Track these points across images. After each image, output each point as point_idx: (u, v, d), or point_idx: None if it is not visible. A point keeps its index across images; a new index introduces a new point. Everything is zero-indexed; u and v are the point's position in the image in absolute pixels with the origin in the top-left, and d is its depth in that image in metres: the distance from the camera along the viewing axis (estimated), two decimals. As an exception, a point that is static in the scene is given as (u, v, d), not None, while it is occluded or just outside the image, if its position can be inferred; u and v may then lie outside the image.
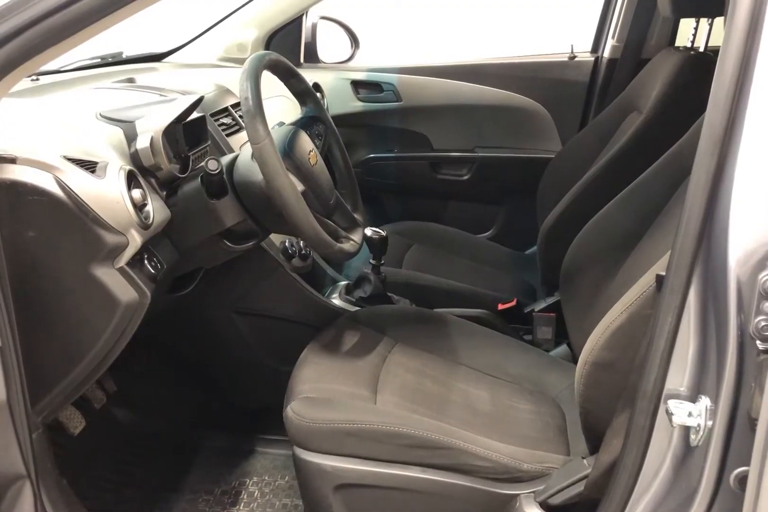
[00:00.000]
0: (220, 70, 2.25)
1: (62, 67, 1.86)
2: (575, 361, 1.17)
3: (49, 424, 1.15)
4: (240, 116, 1.77)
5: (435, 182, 2.68)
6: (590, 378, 1.06)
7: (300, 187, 1.29)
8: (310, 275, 1.79)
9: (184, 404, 1.92)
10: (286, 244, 1.72)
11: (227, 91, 1.82)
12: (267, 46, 2.43)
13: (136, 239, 1.11)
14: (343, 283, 1.88)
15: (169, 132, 1.24)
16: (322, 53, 2.65)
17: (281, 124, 1.47)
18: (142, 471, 1.73)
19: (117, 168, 1.12)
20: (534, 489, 1.15)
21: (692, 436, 0.85)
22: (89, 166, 1.08)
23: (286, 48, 2.44)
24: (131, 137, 1.22)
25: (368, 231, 1.72)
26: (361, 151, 2.70)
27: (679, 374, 0.86)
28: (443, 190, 2.69)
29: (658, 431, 0.89)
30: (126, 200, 1.09)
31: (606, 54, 2.45)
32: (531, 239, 2.25)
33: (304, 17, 2.50)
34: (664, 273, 0.87)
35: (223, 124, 1.69)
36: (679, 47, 1.92)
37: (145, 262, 1.18)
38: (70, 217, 1.03)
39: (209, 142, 1.51)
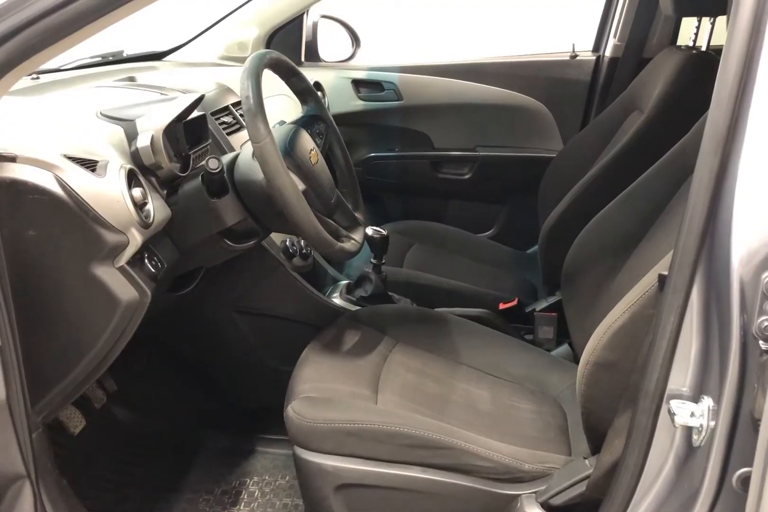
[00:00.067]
0: (220, 68, 2.25)
1: (63, 65, 1.86)
2: (576, 361, 1.16)
3: (49, 424, 1.14)
4: (241, 115, 1.76)
5: (436, 181, 2.67)
6: (592, 378, 1.06)
7: (301, 186, 1.29)
8: (310, 274, 1.79)
9: (185, 403, 1.92)
10: (287, 243, 1.72)
11: (228, 90, 1.82)
12: (268, 45, 2.42)
13: (136, 238, 1.10)
14: (344, 282, 1.88)
15: (170, 131, 1.24)
16: (323, 52, 2.65)
17: (282, 123, 1.46)
18: (142, 470, 1.72)
19: (117, 167, 1.12)
20: (535, 490, 1.14)
21: (695, 436, 0.85)
22: (89, 164, 1.08)
23: (287, 47, 2.43)
24: (132, 136, 1.22)
25: (369, 230, 1.72)
26: (362, 150, 2.70)
27: (682, 374, 0.86)
28: (444, 189, 2.69)
29: (661, 431, 0.89)
30: (126, 199, 1.09)
31: (607, 53, 2.44)
32: (532, 239, 2.25)
33: (305, 16, 2.50)
34: (666, 273, 0.87)
35: (223, 122, 1.68)
36: (680, 46, 1.92)
37: (146, 261, 1.17)
38: (71, 216, 1.03)
39: (210, 141, 1.51)
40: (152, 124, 1.21)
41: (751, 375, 0.79)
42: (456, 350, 1.50)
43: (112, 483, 1.67)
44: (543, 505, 1.11)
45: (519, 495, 1.15)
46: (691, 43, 1.92)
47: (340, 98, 2.59)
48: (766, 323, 0.77)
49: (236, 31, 2.39)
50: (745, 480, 0.81)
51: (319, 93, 1.60)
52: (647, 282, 0.98)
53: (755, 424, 0.78)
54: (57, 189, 1.01)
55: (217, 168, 1.23)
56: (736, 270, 0.79)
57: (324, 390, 1.29)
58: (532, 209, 2.29)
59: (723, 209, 0.80)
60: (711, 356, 0.84)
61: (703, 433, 0.83)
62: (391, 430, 1.18)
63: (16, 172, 0.99)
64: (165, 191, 1.29)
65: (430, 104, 2.59)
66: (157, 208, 1.19)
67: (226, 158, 1.35)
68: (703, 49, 1.82)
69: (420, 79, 2.58)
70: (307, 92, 1.53)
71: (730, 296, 0.79)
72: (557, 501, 1.10)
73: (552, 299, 1.94)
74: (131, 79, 1.69)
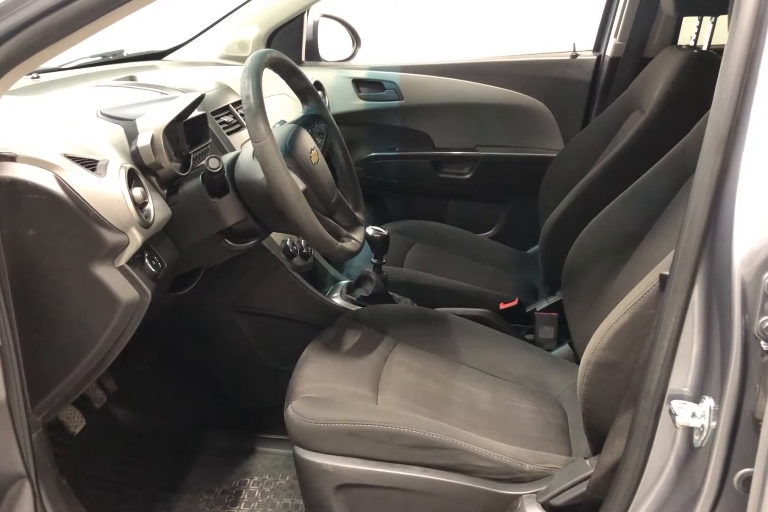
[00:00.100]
0: (221, 68, 2.25)
1: (63, 64, 1.86)
2: (577, 361, 1.16)
3: (49, 423, 1.14)
4: (241, 114, 1.76)
5: (437, 181, 2.67)
6: (593, 378, 1.05)
7: (301, 185, 1.28)
8: (311, 274, 1.79)
9: (185, 403, 1.91)
10: (287, 243, 1.72)
11: (228, 90, 1.82)
12: (268, 44, 2.42)
13: (136, 238, 1.10)
14: (345, 282, 1.88)
15: (170, 130, 1.24)
16: (323, 51, 2.65)
17: (283, 122, 1.46)
18: (142, 470, 1.72)
19: (118, 166, 1.11)
20: (536, 490, 1.14)
21: (696, 437, 0.85)
22: (90, 164, 1.07)
23: (288, 46, 2.43)
24: (132, 135, 1.22)
25: (370, 230, 1.71)
26: (362, 149, 2.70)
27: (683, 374, 0.86)
28: (445, 189, 2.69)
29: (662, 431, 0.89)
30: (127, 199, 1.08)
31: (608, 53, 2.44)
32: (533, 238, 2.25)
33: (305, 15, 2.50)
34: (667, 273, 0.87)
35: (224, 122, 1.68)
36: (681, 46, 1.92)
37: (146, 261, 1.17)
38: (71, 215, 1.03)
39: (210, 140, 1.51)
40: (152, 123, 1.21)
41: (752, 376, 0.79)
42: (456, 350, 1.50)
43: (112, 483, 1.67)
44: (544, 506, 1.11)
45: (520, 495, 1.15)
46: (692, 43, 1.92)
47: (341, 98, 2.59)
48: (767, 324, 0.77)
49: (237, 31, 2.38)
50: (747, 481, 0.80)
51: (319, 92, 1.60)
52: (648, 282, 0.98)
53: (756, 425, 0.78)
54: (57, 189, 1.01)
55: (218, 168, 1.23)
56: (738, 270, 0.78)
57: (324, 389, 1.29)
58: (532, 208, 2.29)
59: (724, 209, 0.80)
60: (712, 356, 0.83)
61: (705, 434, 0.83)
62: (392, 430, 1.18)
63: (16, 171, 0.99)
64: (165, 191, 1.28)
65: (430, 104, 2.59)
66: (157, 207, 1.18)
67: (227, 158, 1.34)
68: (704, 48, 1.82)
69: (421, 78, 2.58)
70: (307, 92, 1.52)
71: (731, 296, 0.79)
72: (558, 501, 1.10)
73: (552, 299, 1.93)
74: (131, 78, 1.69)
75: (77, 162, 1.05)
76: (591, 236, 1.51)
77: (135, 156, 1.20)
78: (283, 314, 1.72)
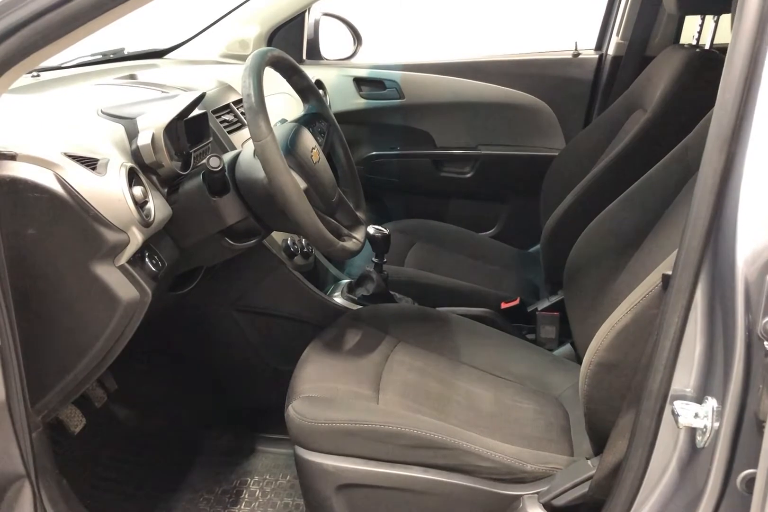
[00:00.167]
0: (222, 66, 2.24)
1: (63, 63, 1.86)
2: (579, 360, 1.16)
3: (49, 423, 1.14)
4: (242, 113, 1.76)
5: (438, 180, 2.67)
6: (595, 379, 1.05)
7: (302, 184, 1.28)
8: (312, 273, 1.79)
9: (185, 403, 1.91)
10: (288, 242, 1.71)
11: (229, 88, 1.82)
12: (269, 43, 2.42)
13: (137, 237, 1.10)
14: (346, 281, 1.88)
15: (171, 129, 1.24)
16: (324, 50, 2.65)
17: (284, 121, 1.46)
18: (142, 470, 1.72)
19: (118, 165, 1.11)
20: (537, 490, 1.14)
21: (698, 438, 0.84)
22: (90, 163, 1.07)
23: (289, 45, 2.43)
24: (132, 134, 1.22)
25: (371, 229, 1.71)
26: (363, 148, 2.70)
27: (686, 374, 0.85)
28: (446, 188, 2.69)
29: (664, 432, 0.88)
30: (127, 198, 1.08)
31: (610, 51, 2.44)
32: (534, 238, 2.24)
33: (306, 14, 2.49)
34: (670, 272, 0.86)
35: (225, 121, 1.68)
36: (684, 45, 1.91)
37: (146, 260, 1.17)
38: (71, 214, 1.02)
39: (211, 139, 1.51)
40: (153, 122, 1.21)
41: (755, 376, 0.79)
42: (458, 350, 1.49)
43: (112, 482, 1.67)
44: (545, 506, 1.11)
45: (521, 495, 1.14)
46: (694, 42, 1.92)
47: (342, 96, 2.59)
48: (771, 324, 0.76)
49: (238, 29, 2.38)
50: (750, 482, 0.80)
51: (320, 91, 1.60)
52: (651, 282, 0.98)
53: (760, 425, 0.78)
54: (57, 187, 1.01)
55: (218, 166, 1.23)
56: (741, 270, 0.78)
57: (325, 389, 1.29)
58: (534, 207, 2.28)
59: (728, 208, 0.79)
60: (715, 356, 0.83)
61: (707, 434, 0.82)
62: (393, 430, 1.18)
63: (16, 170, 0.99)
64: (166, 190, 1.28)
65: (432, 103, 2.59)
66: (157, 206, 1.18)
67: (228, 157, 1.34)
68: (707, 47, 1.82)
69: (422, 77, 2.58)
70: (308, 90, 1.52)
71: (734, 296, 0.78)
72: (560, 501, 1.10)
73: (554, 299, 1.93)
74: (132, 77, 1.69)
75: (77, 161, 1.05)
76: (593, 236, 1.51)
77: (135, 155, 1.20)
78: (283, 314, 1.71)
